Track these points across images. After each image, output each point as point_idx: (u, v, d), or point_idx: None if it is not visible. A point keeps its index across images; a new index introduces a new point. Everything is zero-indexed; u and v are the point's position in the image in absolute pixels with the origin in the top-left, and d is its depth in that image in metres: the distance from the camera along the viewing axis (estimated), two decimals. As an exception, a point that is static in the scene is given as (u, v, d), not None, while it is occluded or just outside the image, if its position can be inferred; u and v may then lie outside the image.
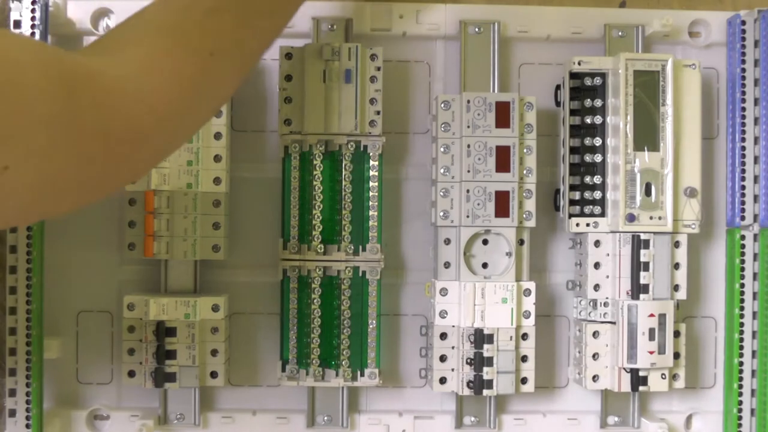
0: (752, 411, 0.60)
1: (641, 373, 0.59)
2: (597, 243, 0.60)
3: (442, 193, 0.59)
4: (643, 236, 0.58)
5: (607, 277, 0.59)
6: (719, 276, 0.63)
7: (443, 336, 0.59)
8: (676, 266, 0.59)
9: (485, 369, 0.58)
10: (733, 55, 0.61)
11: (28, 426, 0.57)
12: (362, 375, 0.59)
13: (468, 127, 0.58)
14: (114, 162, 0.41)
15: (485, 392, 0.58)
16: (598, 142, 0.60)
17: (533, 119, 0.59)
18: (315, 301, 0.59)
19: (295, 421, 0.61)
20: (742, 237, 0.60)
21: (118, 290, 0.62)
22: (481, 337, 0.58)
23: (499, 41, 0.62)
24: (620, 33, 0.62)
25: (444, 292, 0.59)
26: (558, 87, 0.61)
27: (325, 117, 0.58)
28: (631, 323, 0.58)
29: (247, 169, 0.62)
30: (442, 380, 0.59)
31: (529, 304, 0.59)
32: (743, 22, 0.60)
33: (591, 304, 0.60)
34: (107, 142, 0.40)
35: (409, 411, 0.62)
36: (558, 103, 0.61)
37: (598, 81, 0.59)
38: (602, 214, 0.60)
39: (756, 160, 0.60)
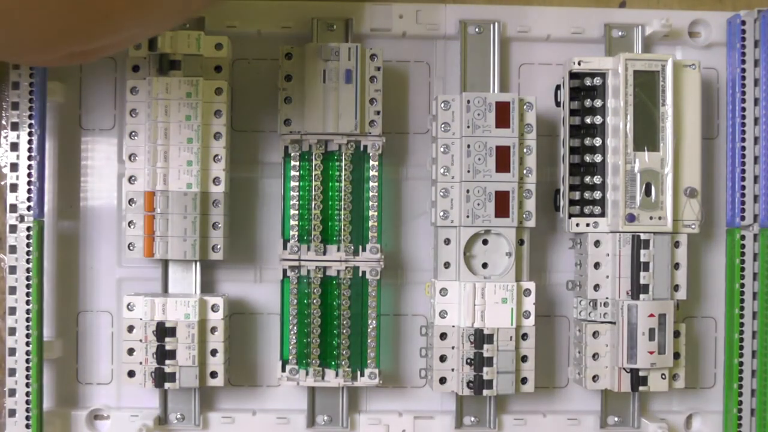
0: (752, 411, 0.60)
1: (641, 373, 0.59)
2: (597, 243, 0.60)
3: (442, 193, 0.59)
4: (643, 236, 0.58)
5: (607, 277, 0.59)
6: (719, 276, 0.63)
7: (443, 336, 0.59)
8: (676, 266, 0.59)
9: (485, 369, 0.58)
10: (733, 55, 0.61)
11: (28, 426, 0.58)
12: (362, 375, 0.59)
13: (468, 127, 0.58)
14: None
15: (485, 392, 0.58)
16: (598, 142, 0.60)
17: (533, 119, 0.59)
18: (315, 301, 0.59)
19: (295, 421, 0.61)
20: (742, 237, 0.60)
21: (118, 290, 0.62)
22: (481, 337, 0.58)
23: (499, 41, 0.62)
24: (620, 33, 0.62)
25: (444, 292, 0.59)
26: (558, 87, 0.61)
27: (325, 117, 0.58)
28: (631, 323, 0.58)
29: (247, 169, 0.62)
30: (442, 380, 0.59)
31: (529, 304, 0.59)
32: (743, 22, 0.60)
33: (591, 304, 0.60)
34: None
35: (409, 411, 0.62)
36: (558, 103, 0.61)
37: (598, 81, 0.59)
38: (602, 214, 0.60)
39: (756, 160, 0.60)
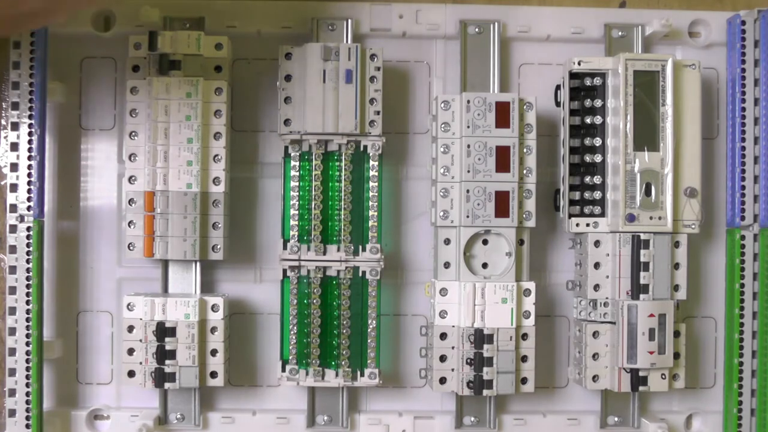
0: (752, 411, 0.60)
1: (641, 373, 0.59)
2: (597, 243, 0.60)
3: (442, 193, 0.59)
4: (643, 236, 0.58)
5: (607, 277, 0.59)
6: (719, 276, 0.63)
7: (443, 336, 0.59)
8: (676, 266, 0.59)
9: (485, 369, 0.58)
10: (733, 55, 0.61)
11: (28, 426, 0.58)
12: (362, 375, 0.59)
13: (468, 127, 0.58)
14: None
15: (485, 392, 0.58)
16: (598, 142, 0.60)
17: (533, 119, 0.59)
18: (315, 301, 0.59)
19: (295, 421, 0.61)
20: (742, 237, 0.60)
21: (118, 290, 0.62)
22: (481, 337, 0.58)
23: (499, 41, 0.62)
24: (620, 33, 0.62)
25: (444, 292, 0.59)
26: (558, 87, 0.61)
27: (325, 117, 0.58)
28: (631, 323, 0.58)
29: (247, 169, 0.62)
30: (442, 380, 0.59)
31: (529, 304, 0.59)
32: (743, 22, 0.60)
33: (591, 304, 0.60)
34: None
35: (409, 411, 0.62)
36: (558, 103, 0.61)
37: (598, 81, 0.59)
38: (602, 214, 0.60)
39: (756, 160, 0.60)
